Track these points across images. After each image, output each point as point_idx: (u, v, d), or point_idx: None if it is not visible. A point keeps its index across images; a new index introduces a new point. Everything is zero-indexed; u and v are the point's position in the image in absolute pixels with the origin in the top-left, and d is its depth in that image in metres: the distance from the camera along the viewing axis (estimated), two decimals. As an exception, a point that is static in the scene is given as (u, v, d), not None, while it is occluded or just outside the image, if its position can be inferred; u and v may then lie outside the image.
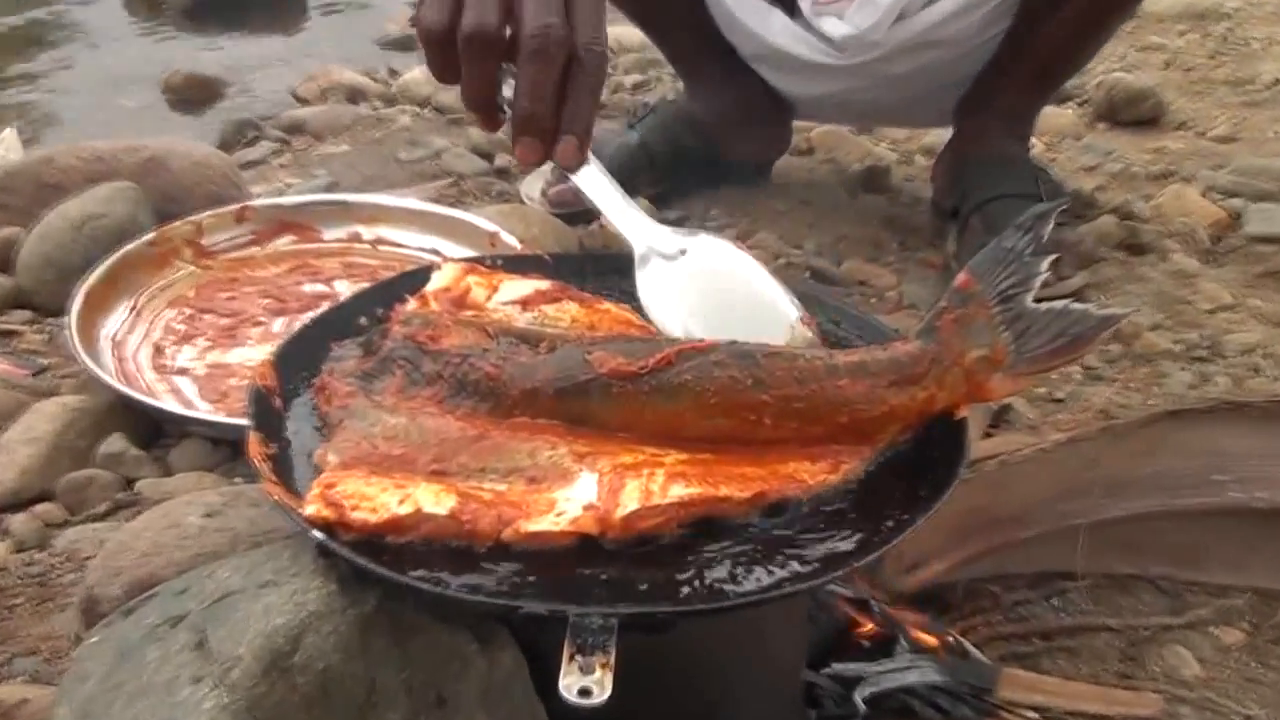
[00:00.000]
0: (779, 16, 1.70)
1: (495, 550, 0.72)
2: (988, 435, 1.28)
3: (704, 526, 0.75)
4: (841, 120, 2.06)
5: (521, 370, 0.81)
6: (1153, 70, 2.48)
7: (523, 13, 0.81)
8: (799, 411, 0.79)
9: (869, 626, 0.97)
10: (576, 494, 0.74)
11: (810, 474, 0.78)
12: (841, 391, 0.79)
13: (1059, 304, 0.81)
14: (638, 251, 0.90)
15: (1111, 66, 2.42)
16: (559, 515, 0.73)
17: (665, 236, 0.91)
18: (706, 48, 1.80)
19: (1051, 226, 0.83)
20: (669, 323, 0.88)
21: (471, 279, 0.95)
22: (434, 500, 0.73)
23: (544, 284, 0.95)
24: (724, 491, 0.75)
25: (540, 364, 0.81)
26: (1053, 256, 0.83)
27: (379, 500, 0.73)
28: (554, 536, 0.72)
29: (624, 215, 0.90)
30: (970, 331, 0.80)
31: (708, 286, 0.90)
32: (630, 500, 0.73)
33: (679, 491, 0.74)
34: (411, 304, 0.92)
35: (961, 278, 0.82)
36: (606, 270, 1.02)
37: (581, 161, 0.87)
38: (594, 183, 0.89)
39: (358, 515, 0.72)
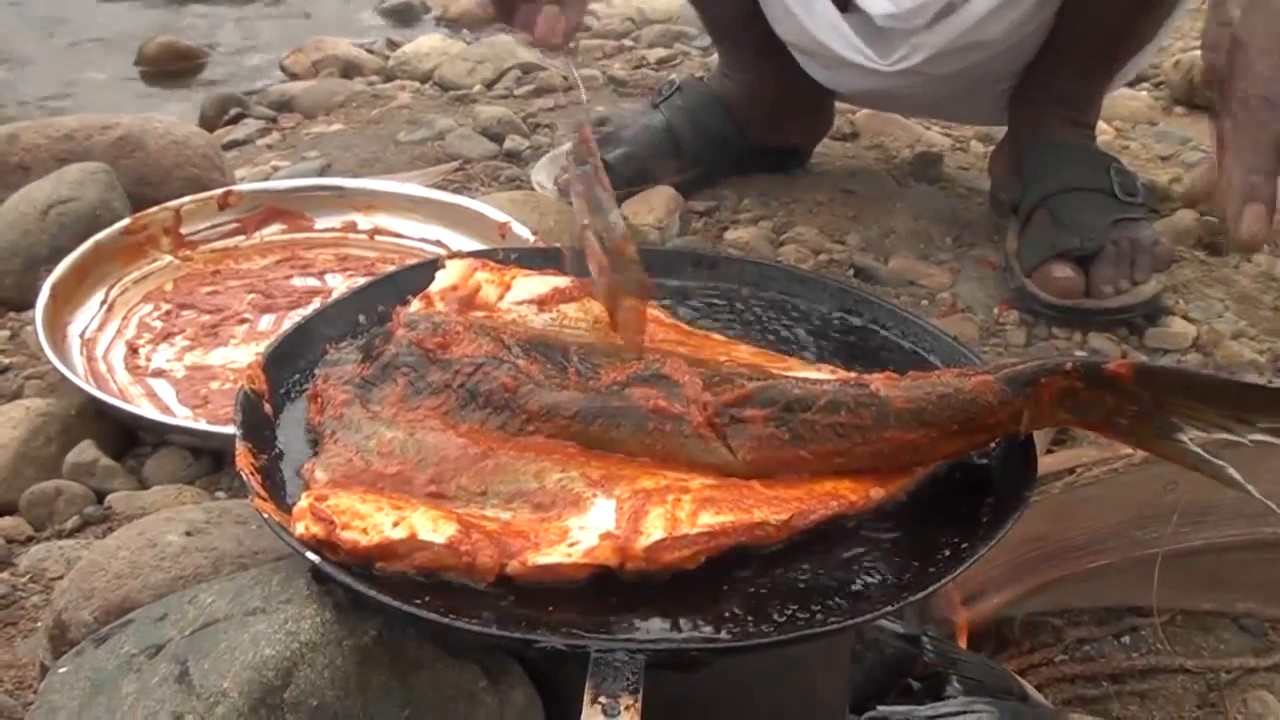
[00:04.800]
0: (824, 5, 1.69)
1: (497, 587, 0.71)
2: (1050, 451, 1.27)
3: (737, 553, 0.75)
4: (887, 111, 2.07)
5: (545, 396, 0.81)
6: (1236, 48, 2.47)
7: None
8: (839, 465, 0.79)
9: (919, 665, 0.97)
10: (592, 521, 0.74)
11: (852, 490, 0.78)
12: (889, 443, 0.79)
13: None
14: None
15: (1190, 44, 2.41)
16: (572, 546, 0.72)
17: None
18: (751, 19, 1.79)
19: None
20: None
21: (481, 276, 0.95)
22: (431, 527, 0.72)
23: (562, 281, 0.95)
24: (758, 516, 0.75)
25: (567, 399, 0.81)
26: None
27: (371, 520, 0.72)
28: (567, 570, 0.71)
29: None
30: (1078, 405, 0.77)
31: None
32: (654, 529, 0.72)
33: (709, 520, 0.74)
34: (415, 304, 0.92)
35: (1122, 369, 0.76)
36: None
37: (559, 40, 0.85)
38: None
39: (348, 535, 0.72)
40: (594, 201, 0.83)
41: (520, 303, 0.93)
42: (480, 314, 0.91)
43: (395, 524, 0.72)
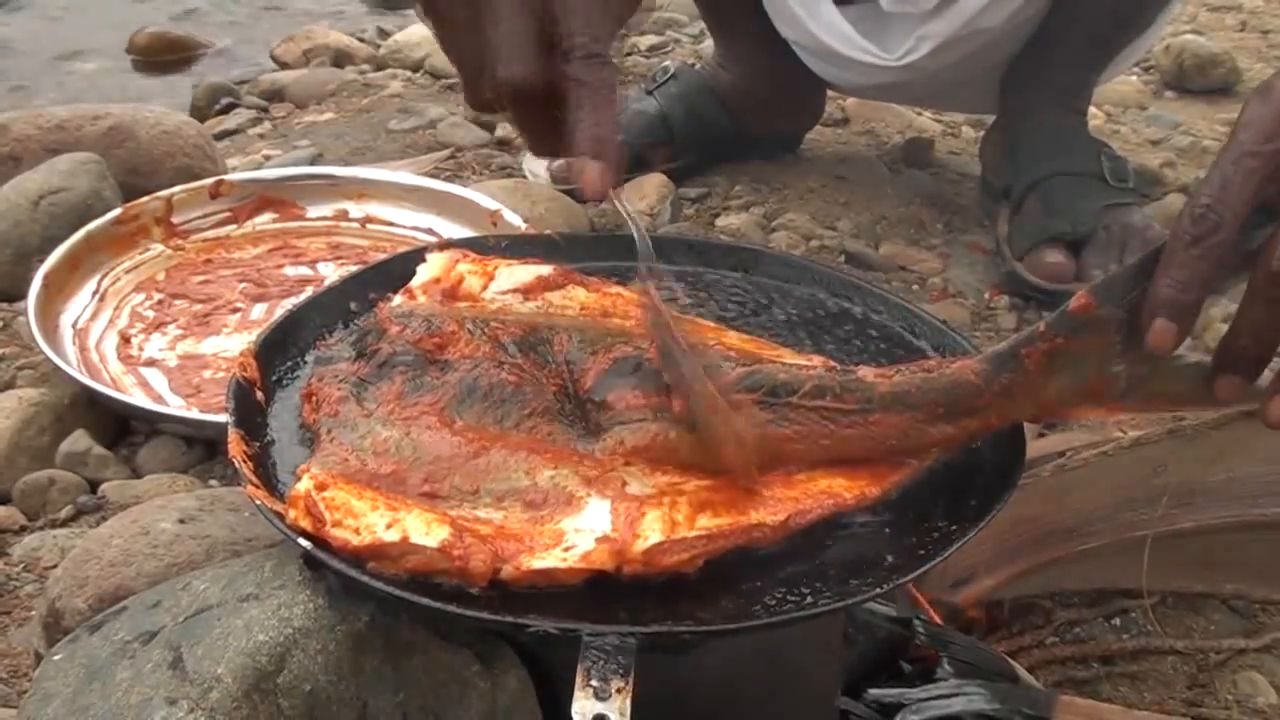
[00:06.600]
0: (828, 7, 1.69)
1: (491, 591, 0.70)
2: (1041, 435, 1.28)
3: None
4: (884, 101, 2.07)
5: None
6: (1226, 33, 2.48)
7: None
8: (828, 450, 0.79)
9: (911, 648, 0.97)
10: (586, 523, 0.73)
11: (848, 489, 0.78)
12: (876, 427, 0.78)
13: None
14: None
15: (1180, 28, 2.42)
16: (568, 550, 0.71)
17: None
18: (747, 9, 1.80)
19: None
20: None
21: (464, 267, 0.94)
22: (424, 530, 0.71)
23: (545, 269, 0.95)
24: (755, 518, 0.75)
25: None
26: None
27: (365, 520, 0.71)
28: (562, 574, 0.70)
29: None
30: (1066, 363, 0.76)
31: None
32: (652, 532, 0.72)
33: (707, 523, 0.73)
34: (397, 300, 0.92)
35: (1081, 300, 0.75)
36: (622, 251, 1.02)
37: (601, 190, 0.81)
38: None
39: (338, 533, 0.71)
40: (669, 358, 0.81)
41: (504, 292, 0.92)
42: (465, 304, 0.91)
43: (389, 525, 0.71)
